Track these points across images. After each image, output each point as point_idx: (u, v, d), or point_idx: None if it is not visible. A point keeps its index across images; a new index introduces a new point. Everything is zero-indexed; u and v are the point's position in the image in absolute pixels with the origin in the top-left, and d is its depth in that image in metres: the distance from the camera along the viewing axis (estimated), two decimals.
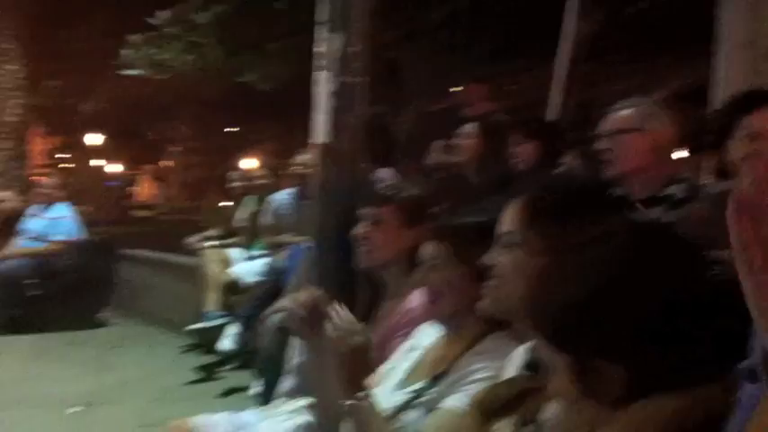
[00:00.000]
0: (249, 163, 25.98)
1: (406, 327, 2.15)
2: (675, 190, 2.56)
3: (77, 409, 4.51)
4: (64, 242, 6.98)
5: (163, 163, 28.69)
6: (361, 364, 1.89)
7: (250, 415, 2.48)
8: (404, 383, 1.92)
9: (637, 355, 0.96)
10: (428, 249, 1.82)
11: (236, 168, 23.71)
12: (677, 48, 7.35)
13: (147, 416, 4.47)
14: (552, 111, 5.62)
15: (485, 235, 1.61)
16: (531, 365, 1.34)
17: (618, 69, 7.81)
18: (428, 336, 1.96)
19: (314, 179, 3.47)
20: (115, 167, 31.97)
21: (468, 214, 1.82)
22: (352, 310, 1.98)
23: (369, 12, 3.47)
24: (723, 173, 2.32)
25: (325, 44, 3.42)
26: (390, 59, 8.30)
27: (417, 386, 1.86)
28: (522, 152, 3.79)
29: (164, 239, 10.44)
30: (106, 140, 24.99)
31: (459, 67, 8.23)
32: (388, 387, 1.96)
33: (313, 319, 2.07)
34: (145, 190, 39.99)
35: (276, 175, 5.51)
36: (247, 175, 5.67)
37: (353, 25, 3.40)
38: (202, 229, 6.07)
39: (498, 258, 1.48)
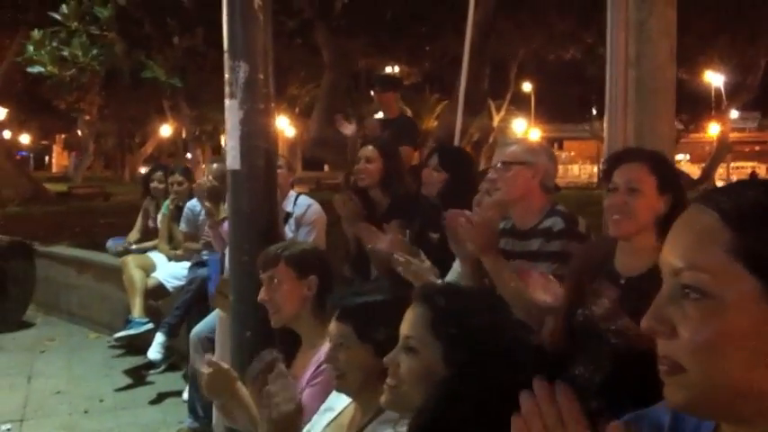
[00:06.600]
0: (165, 130, 25.47)
1: (320, 376, 2.35)
2: (552, 222, 2.82)
3: (8, 426, 4.57)
4: None
5: (77, 132, 27.91)
6: (289, 429, 2.11)
7: None
8: None
9: None
10: (333, 329, 1.98)
11: (153, 135, 23.04)
12: None
13: (79, 428, 4.59)
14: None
15: (386, 313, 1.80)
16: None
17: None
18: (342, 399, 2.09)
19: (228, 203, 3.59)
20: (24, 139, 30.88)
21: (369, 293, 1.99)
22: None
23: (270, 38, 3.57)
24: None
25: (230, 72, 3.51)
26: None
27: None
28: (366, 170, 3.87)
29: (83, 225, 10.38)
30: (10, 113, 24.15)
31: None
32: None
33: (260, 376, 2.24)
34: (58, 160, 38.81)
35: (190, 180, 5.53)
36: (168, 179, 5.67)
37: (257, 52, 3.50)
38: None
39: (398, 361, 1.59)
